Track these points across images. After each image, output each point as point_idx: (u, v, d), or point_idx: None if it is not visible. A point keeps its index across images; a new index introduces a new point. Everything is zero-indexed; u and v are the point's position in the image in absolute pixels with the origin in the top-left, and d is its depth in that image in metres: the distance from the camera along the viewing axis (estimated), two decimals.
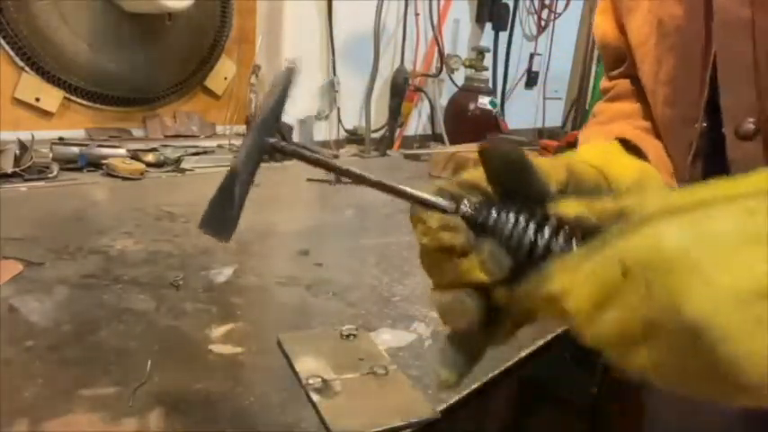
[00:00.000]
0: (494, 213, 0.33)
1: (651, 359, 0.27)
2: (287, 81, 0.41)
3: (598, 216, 0.31)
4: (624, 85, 0.65)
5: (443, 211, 0.34)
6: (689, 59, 0.50)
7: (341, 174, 0.42)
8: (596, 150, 0.52)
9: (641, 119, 0.59)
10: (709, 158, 0.50)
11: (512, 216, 0.33)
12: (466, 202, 0.34)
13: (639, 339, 0.27)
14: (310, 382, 0.48)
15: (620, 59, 0.64)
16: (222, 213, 0.40)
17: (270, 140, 0.40)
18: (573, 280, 0.29)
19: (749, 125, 0.44)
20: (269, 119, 0.40)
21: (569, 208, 0.32)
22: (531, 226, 0.33)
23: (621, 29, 0.60)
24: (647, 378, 0.28)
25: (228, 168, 0.39)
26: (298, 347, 0.53)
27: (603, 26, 0.64)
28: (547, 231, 0.32)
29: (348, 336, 0.55)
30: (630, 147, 0.54)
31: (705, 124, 0.49)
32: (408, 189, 0.37)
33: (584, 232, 0.31)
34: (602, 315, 0.28)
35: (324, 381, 0.48)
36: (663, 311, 0.25)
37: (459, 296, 0.34)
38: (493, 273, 0.33)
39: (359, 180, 0.40)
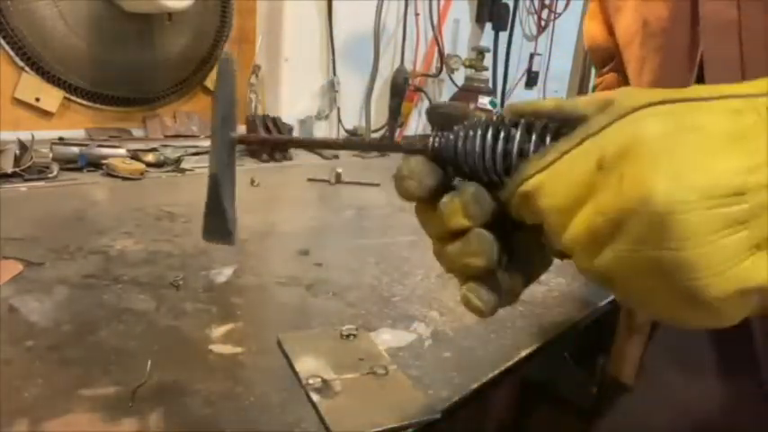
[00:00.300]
0: (461, 134, 0.32)
1: (615, 257, 0.25)
2: (229, 72, 0.40)
3: (575, 107, 0.29)
4: (612, 77, 0.67)
5: (417, 152, 0.33)
6: (674, 60, 0.51)
7: (305, 146, 0.43)
8: None
9: None
10: None
11: (479, 131, 0.31)
12: (432, 136, 0.33)
13: (607, 237, 0.25)
14: (310, 382, 0.48)
15: (609, 59, 0.65)
16: (218, 219, 0.40)
17: (234, 135, 0.40)
18: (548, 176, 0.28)
19: None
20: (227, 115, 0.40)
21: (542, 103, 0.31)
22: (501, 134, 0.31)
23: (610, 30, 0.61)
24: (608, 282, 0.27)
25: (208, 176, 0.39)
26: (298, 347, 0.53)
27: (592, 30, 0.65)
28: (518, 135, 0.30)
29: (348, 336, 0.55)
30: None
31: None
32: (377, 140, 0.38)
33: (561, 127, 0.29)
34: (575, 212, 0.27)
35: (324, 381, 0.48)
36: (633, 201, 0.24)
37: (468, 236, 0.32)
38: (475, 216, 0.32)
39: (326, 146, 0.40)
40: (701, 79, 0.48)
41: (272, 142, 0.43)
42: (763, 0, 0.42)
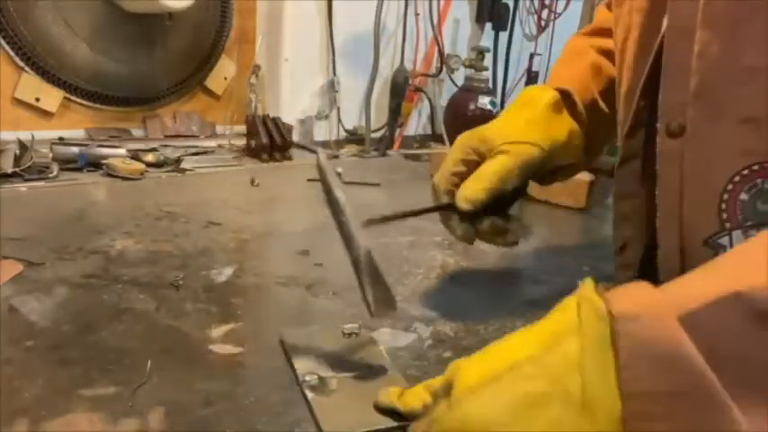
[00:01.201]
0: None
1: None
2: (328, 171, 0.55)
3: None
4: (601, 14, 0.76)
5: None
6: (647, 41, 0.51)
7: (418, 214, 0.61)
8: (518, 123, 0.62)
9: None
10: (650, 134, 0.52)
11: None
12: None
13: None
14: (307, 379, 0.48)
15: None
16: (383, 291, 0.49)
17: (364, 221, 0.53)
18: None
19: (678, 123, 0.47)
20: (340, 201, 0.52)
21: (416, 399, 0.42)
22: None
23: None
24: None
25: (358, 252, 0.49)
26: (299, 344, 0.53)
27: None
28: None
29: (350, 334, 0.55)
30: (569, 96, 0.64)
31: (643, 103, 0.52)
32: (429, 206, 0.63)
33: None
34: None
35: (320, 378, 0.48)
36: None
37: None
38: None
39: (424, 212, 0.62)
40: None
41: (400, 217, 0.61)
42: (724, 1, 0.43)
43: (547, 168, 0.64)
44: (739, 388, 0.27)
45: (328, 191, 0.53)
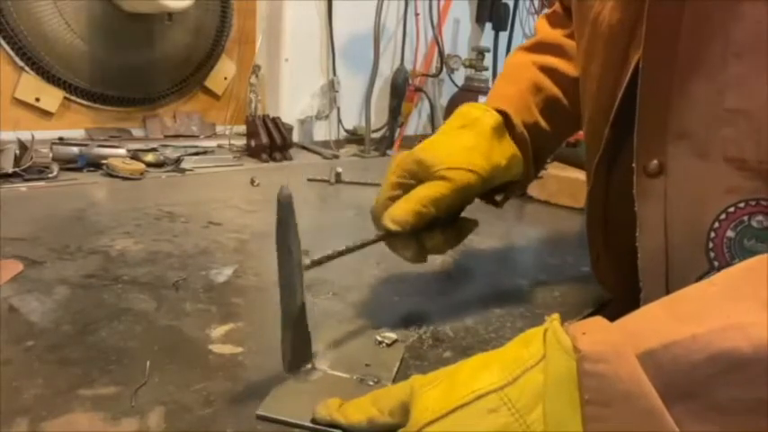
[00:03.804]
0: None
1: None
2: (290, 211, 0.44)
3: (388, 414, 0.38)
4: (540, 24, 0.74)
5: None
6: (612, 72, 0.51)
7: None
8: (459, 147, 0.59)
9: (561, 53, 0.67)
10: (619, 166, 0.53)
11: None
12: None
13: None
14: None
15: None
16: (304, 346, 0.48)
17: (306, 264, 0.46)
18: None
19: (657, 162, 0.46)
20: (296, 249, 0.45)
21: (360, 411, 0.40)
22: None
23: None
24: None
25: (297, 306, 0.45)
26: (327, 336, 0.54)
27: None
28: None
29: (380, 343, 0.54)
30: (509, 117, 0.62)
31: (611, 135, 0.52)
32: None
33: None
34: None
35: (312, 369, 0.48)
36: None
37: None
38: None
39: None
40: (630, 87, 0.48)
41: (347, 252, 0.55)
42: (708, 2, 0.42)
43: (488, 189, 0.62)
44: (693, 423, 0.30)
45: (285, 233, 0.44)
